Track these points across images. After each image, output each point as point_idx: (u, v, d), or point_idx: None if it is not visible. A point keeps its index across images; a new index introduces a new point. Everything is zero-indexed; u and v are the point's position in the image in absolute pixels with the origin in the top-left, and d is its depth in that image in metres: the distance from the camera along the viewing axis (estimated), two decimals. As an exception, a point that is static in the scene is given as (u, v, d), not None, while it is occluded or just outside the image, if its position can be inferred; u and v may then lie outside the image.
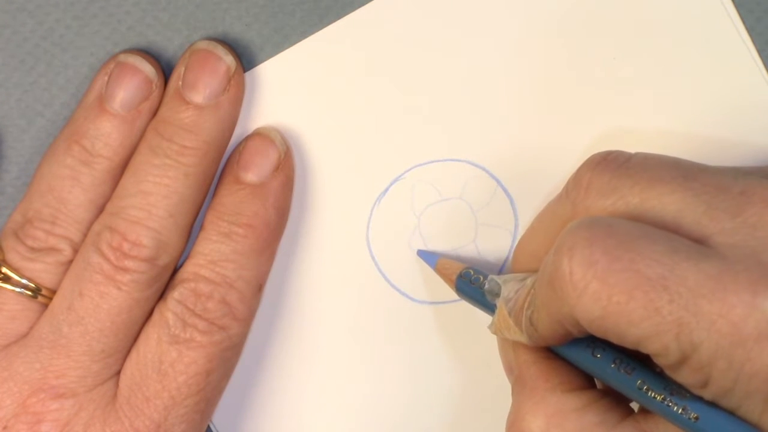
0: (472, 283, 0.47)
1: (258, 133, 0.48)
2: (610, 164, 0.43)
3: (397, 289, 0.50)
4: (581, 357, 0.43)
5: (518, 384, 0.45)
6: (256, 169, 0.48)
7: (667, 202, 0.41)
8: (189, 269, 0.47)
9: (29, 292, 0.47)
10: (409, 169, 0.50)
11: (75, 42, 0.49)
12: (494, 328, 0.45)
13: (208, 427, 0.50)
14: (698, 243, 0.40)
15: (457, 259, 0.50)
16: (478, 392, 0.50)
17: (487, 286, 0.46)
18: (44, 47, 0.49)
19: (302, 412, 0.50)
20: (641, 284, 0.39)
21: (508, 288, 0.45)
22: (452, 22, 0.49)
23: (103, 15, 0.49)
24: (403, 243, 0.50)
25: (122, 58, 0.48)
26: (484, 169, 0.50)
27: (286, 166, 0.48)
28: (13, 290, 0.46)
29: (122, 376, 0.46)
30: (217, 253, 0.47)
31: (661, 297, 0.39)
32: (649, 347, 0.40)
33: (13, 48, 0.49)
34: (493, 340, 0.50)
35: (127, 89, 0.47)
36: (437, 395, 0.50)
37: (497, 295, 0.45)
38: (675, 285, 0.39)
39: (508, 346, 0.46)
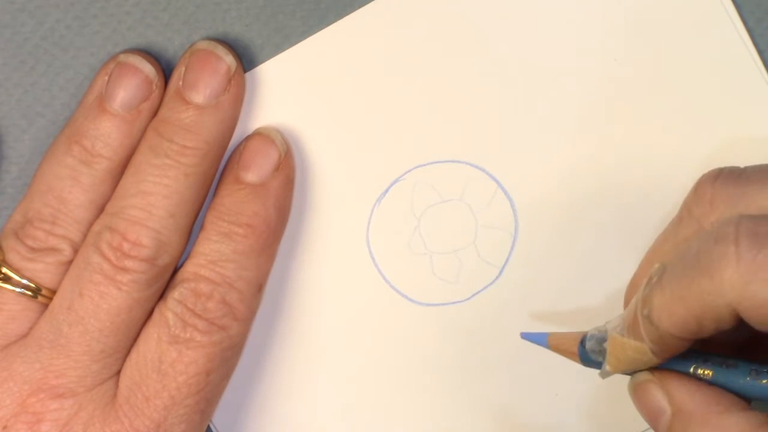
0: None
1: (258, 133, 0.48)
2: (729, 176, 0.43)
3: (397, 290, 0.50)
4: (737, 377, 0.42)
5: (681, 418, 0.43)
6: (256, 169, 0.47)
7: None
8: (189, 269, 0.47)
9: (29, 292, 0.46)
10: (410, 170, 0.50)
11: (75, 42, 0.49)
12: (613, 363, 0.43)
13: (208, 427, 0.49)
14: None
15: (457, 259, 0.50)
16: (477, 393, 0.50)
17: (588, 345, 0.44)
18: (45, 47, 0.49)
19: (302, 412, 0.50)
20: None
21: (613, 323, 0.43)
22: (453, 23, 0.49)
23: (104, 15, 0.49)
24: (403, 244, 0.50)
25: (122, 58, 0.48)
26: (484, 170, 0.50)
27: (287, 166, 0.48)
28: (13, 290, 0.46)
29: (122, 375, 0.46)
30: (217, 253, 0.47)
31: None
32: None
33: (14, 48, 0.49)
34: (491, 342, 0.50)
35: (128, 89, 0.47)
36: (437, 396, 0.50)
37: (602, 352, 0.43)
38: None
39: (652, 388, 0.43)
